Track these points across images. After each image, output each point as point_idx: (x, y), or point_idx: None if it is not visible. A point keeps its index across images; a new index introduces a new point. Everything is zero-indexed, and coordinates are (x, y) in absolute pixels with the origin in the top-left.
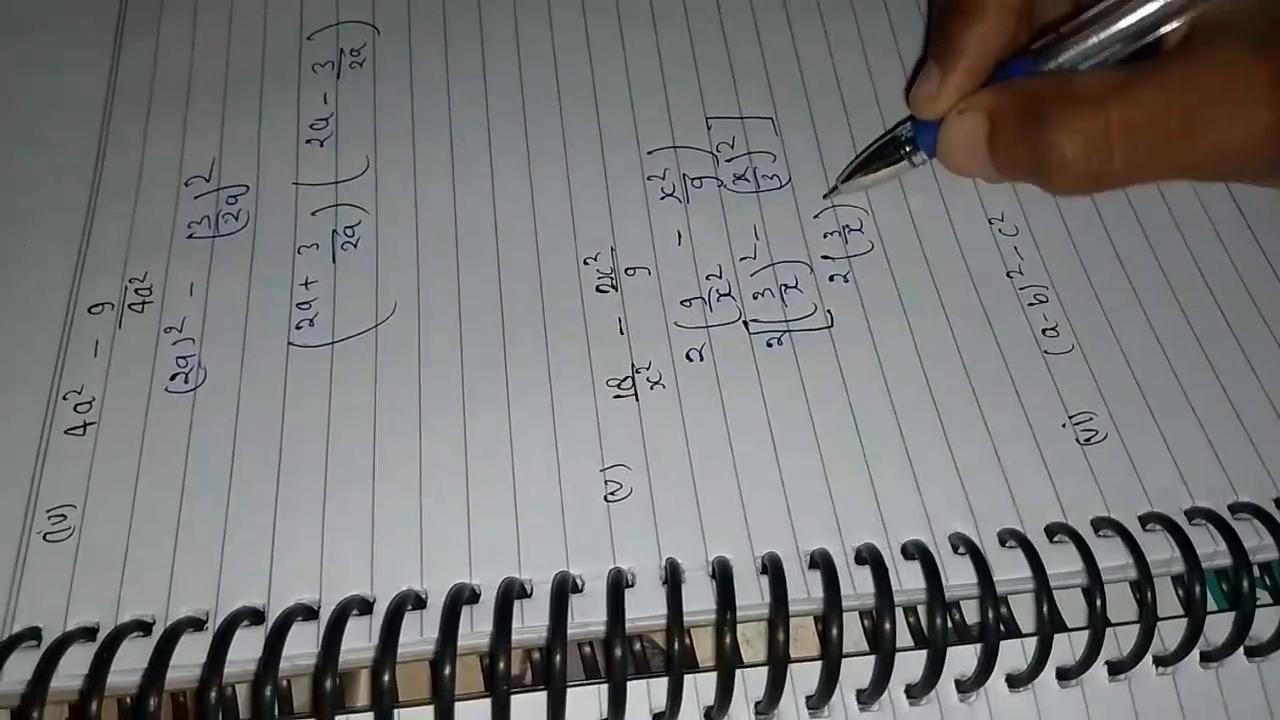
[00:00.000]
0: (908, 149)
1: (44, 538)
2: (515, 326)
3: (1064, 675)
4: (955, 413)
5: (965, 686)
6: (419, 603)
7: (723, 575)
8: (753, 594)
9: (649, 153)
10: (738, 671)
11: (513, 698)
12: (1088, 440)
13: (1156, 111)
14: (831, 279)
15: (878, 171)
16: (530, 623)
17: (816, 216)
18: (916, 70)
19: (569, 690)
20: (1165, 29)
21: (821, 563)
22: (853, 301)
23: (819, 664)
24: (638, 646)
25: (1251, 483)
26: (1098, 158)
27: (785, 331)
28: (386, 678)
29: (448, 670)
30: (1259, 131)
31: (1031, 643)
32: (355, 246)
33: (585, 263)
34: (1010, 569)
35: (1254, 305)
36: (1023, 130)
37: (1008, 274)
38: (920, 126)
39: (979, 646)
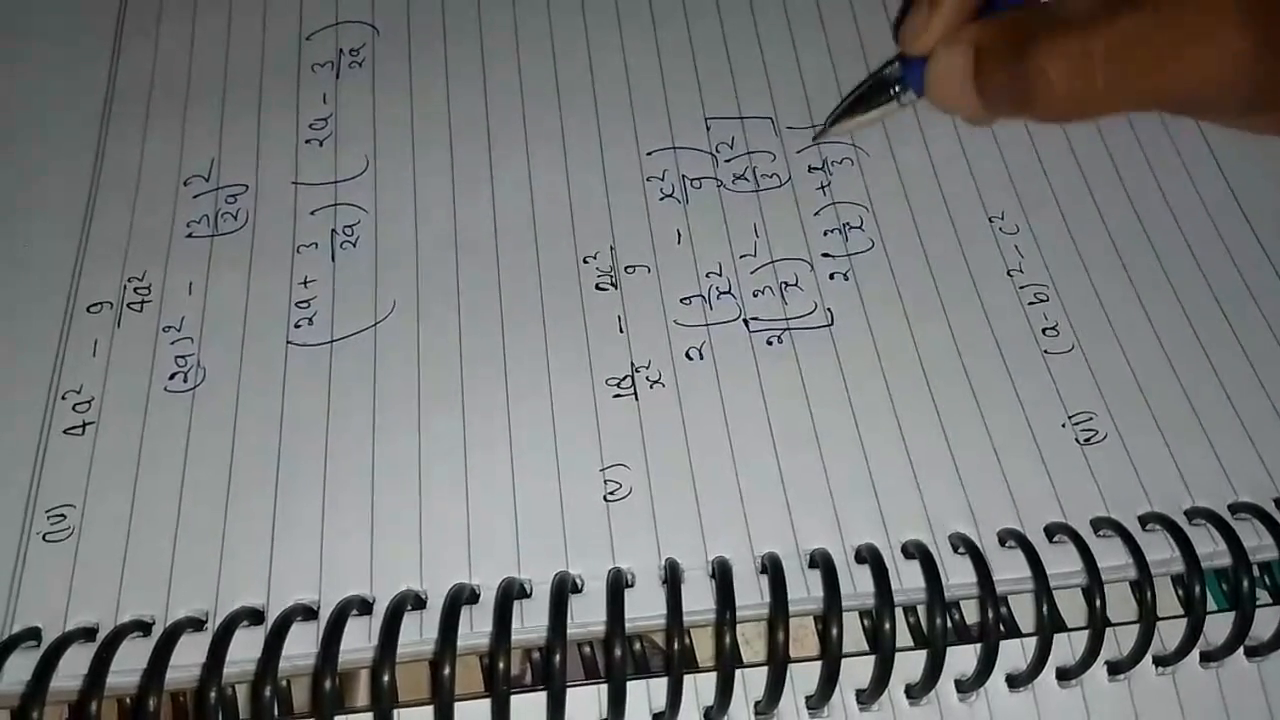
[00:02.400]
0: (896, 89)
1: (43, 538)
2: (514, 325)
3: (1064, 675)
4: (955, 412)
5: (965, 686)
6: (418, 603)
7: (722, 575)
8: (752, 594)
9: (648, 154)
10: (737, 671)
11: (512, 698)
12: (1087, 440)
13: (1138, 36)
14: (832, 277)
15: (866, 113)
16: (530, 623)
17: (817, 214)
18: (904, 9)
19: (569, 690)
20: None
21: (821, 562)
22: (853, 299)
23: (819, 664)
24: (637, 646)
25: (1251, 483)
26: (1080, 80)
27: (785, 330)
28: (386, 678)
29: (447, 670)
30: (1232, 62)
31: (1031, 643)
32: (354, 246)
33: (584, 261)
34: (1010, 569)
35: (1255, 304)
36: (1008, 57)
37: (1008, 272)
38: (908, 65)
39: (979, 646)
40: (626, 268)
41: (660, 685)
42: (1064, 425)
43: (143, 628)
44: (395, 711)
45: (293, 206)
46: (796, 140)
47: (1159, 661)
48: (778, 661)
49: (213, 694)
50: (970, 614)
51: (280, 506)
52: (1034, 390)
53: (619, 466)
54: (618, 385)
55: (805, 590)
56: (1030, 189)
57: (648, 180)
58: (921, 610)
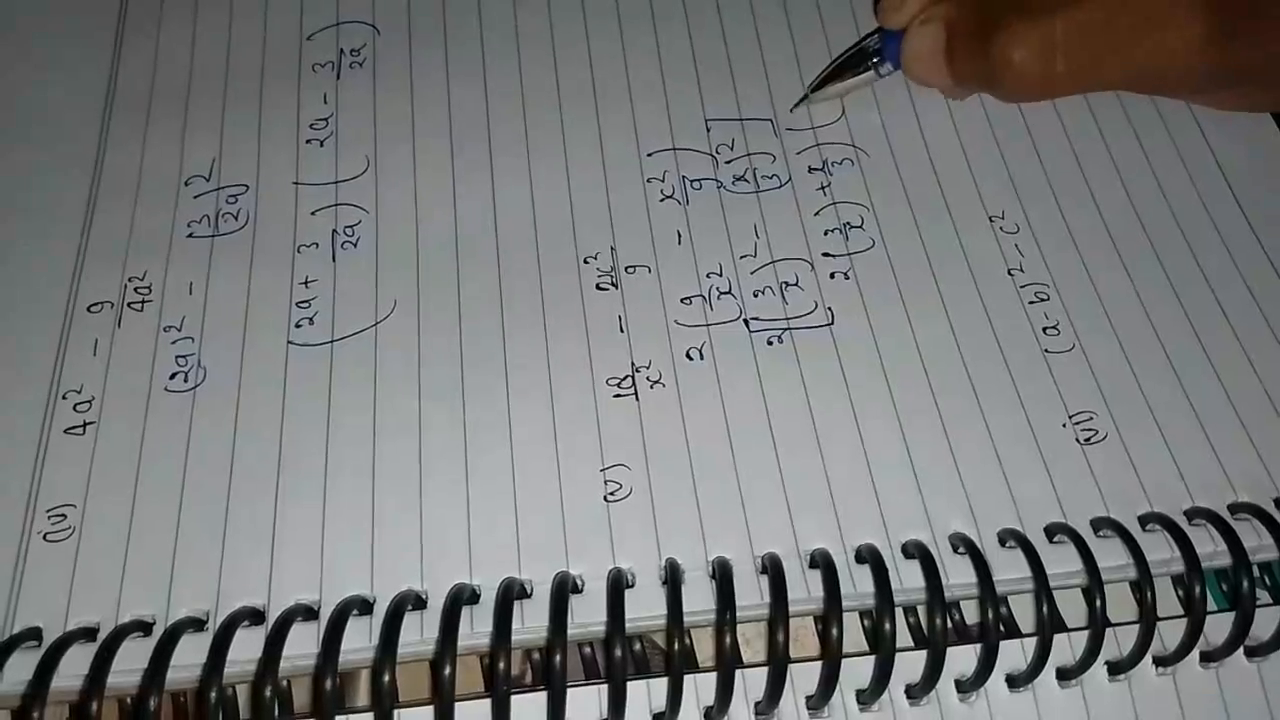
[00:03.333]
0: (875, 60)
1: (44, 538)
2: (514, 325)
3: (1064, 675)
4: (955, 411)
5: (965, 686)
6: (419, 603)
7: (722, 575)
8: (752, 594)
9: (648, 155)
10: (738, 672)
11: (513, 698)
12: (1088, 440)
13: (1097, 20)
14: (832, 276)
15: (846, 81)
16: (530, 623)
17: (817, 214)
18: None
19: (569, 690)
20: None
21: (821, 562)
22: (853, 299)
23: (819, 664)
24: (638, 647)
25: (1251, 483)
26: (1042, 62)
27: (786, 329)
28: (386, 678)
29: (448, 670)
30: (1191, 42)
31: (1031, 643)
32: (355, 246)
33: (585, 261)
34: (1010, 569)
35: (1255, 304)
36: (976, 37)
37: (1008, 271)
38: (887, 38)
39: (979, 646)
40: (627, 268)
41: (660, 685)
42: (1064, 425)
43: (143, 628)
44: (396, 712)
45: (293, 206)
46: (796, 141)
47: (1159, 661)
48: (778, 662)
49: (213, 694)
50: (970, 614)
51: (281, 506)
52: (1034, 390)
53: (619, 467)
54: (618, 385)
55: (805, 590)
56: (1030, 188)
57: (648, 181)
58: (921, 610)
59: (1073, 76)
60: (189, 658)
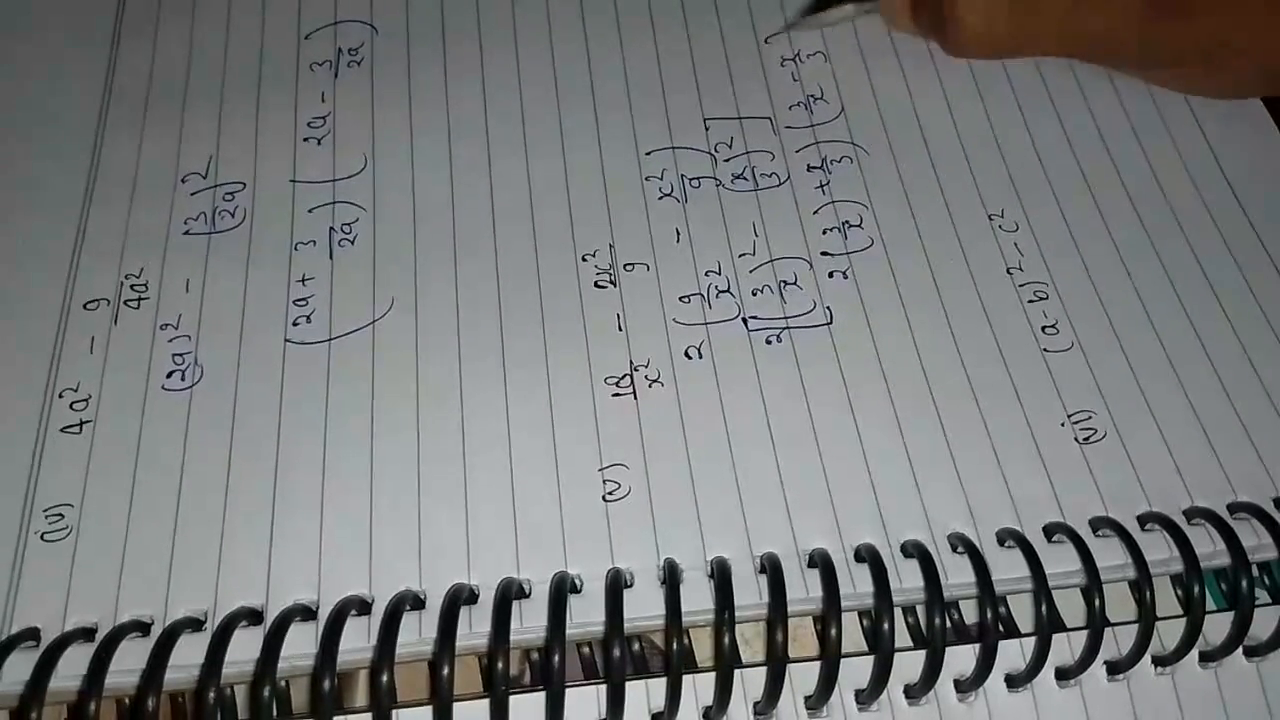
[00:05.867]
0: None
1: (41, 537)
2: (513, 323)
3: (1063, 675)
4: (954, 411)
5: (964, 686)
6: (417, 603)
7: (721, 575)
8: (751, 594)
9: (647, 154)
10: (736, 672)
11: (511, 698)
12: (1086, 439)
13: None
14: (831, 275)
15: (830, 12)
16: (529, 623)
17: (816, 213)
18: None
19: (567, 690)
20: None
21: (820, 562)
22: (852, 298)
23: (818, 664)
24: (636, 647)
25: (1250, 482)
26: (988, 21)
27: (784, 329)
28: (385, 678)
29: (446, 671)
30: (1129, 13)
31: (1030, 642)
32: (352, 244)
33: (584, 259)
34: (1009, 568)
35: (1255, 303)
36: None
37: (1007, 270)
38: None
39: (978, 646)
40: (625, 265)
41: (659, 685)
42: (1063, 424)
43: (141, 628)
44: (394, 712)
45: (290, 204)
46: (795, 139)
47: (1158, 661)
48: (776, 661)
49: (211, 694)
50: (969, 614)
51: (279, 506)
52: (1033, 389)
53: (618, 466)
54: (616, 384)
55: (804, 590)
56: (1030, 187)
57: (646, 180)
58: (920, 610)
59: (1014, 36)
60: (187, 658)
